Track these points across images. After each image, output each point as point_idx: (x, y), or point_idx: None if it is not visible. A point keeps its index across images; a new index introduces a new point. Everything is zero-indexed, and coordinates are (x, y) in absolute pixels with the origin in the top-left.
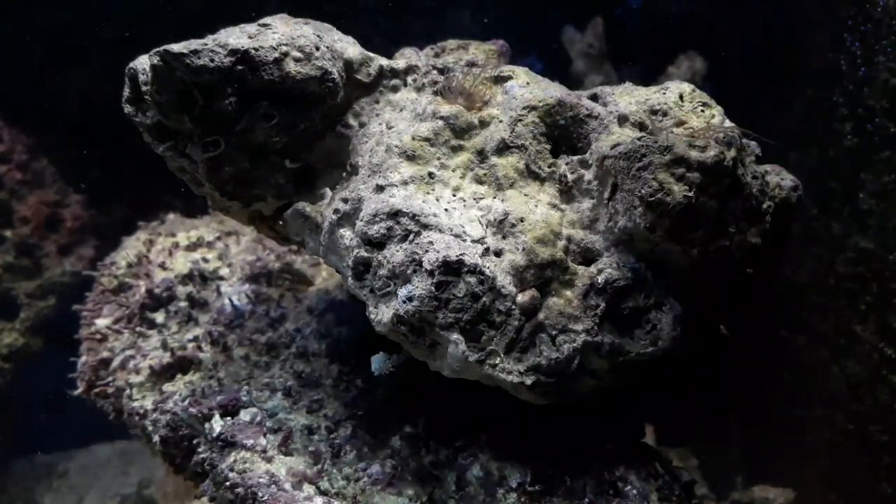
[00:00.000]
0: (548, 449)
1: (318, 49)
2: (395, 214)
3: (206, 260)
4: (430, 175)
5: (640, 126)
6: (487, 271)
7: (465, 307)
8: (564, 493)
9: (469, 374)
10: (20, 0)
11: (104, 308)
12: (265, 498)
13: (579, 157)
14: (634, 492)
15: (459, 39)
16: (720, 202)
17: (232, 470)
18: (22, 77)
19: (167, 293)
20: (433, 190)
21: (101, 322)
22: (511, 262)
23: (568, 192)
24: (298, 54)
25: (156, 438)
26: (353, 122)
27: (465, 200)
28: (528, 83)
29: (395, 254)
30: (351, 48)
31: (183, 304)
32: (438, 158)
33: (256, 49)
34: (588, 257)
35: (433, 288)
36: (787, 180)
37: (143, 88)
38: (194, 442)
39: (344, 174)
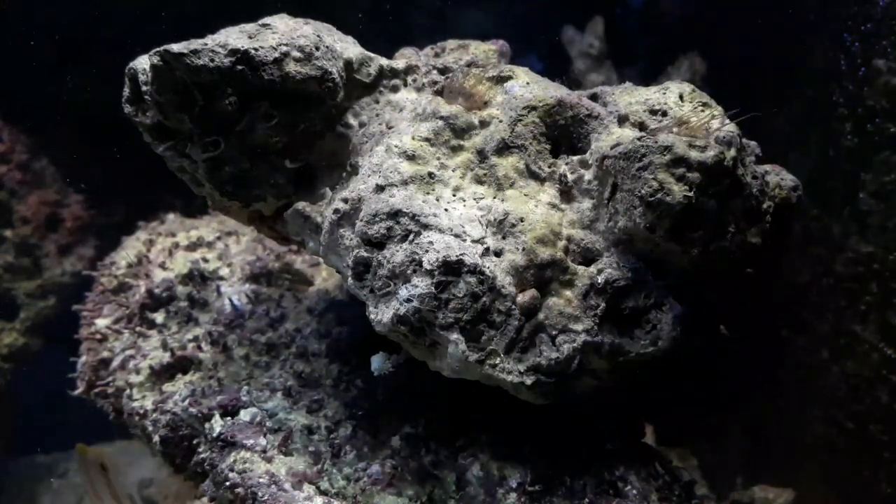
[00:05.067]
0: (548, 449)
1: (318, 49)
2: (395, 214)
3: (206, 260)
4: (430, 175)
5: (640, 126)
6: (487, 271)
7: (465, 307)
8: (564, 493)
9: (469, 374)
10: (21, 0)
11: (104, 308)
12: (265, 498)
13: (579, 157)
14: (634, 492)
15: (459, 39)
16: (720, 202)
17: (232, 470)
18: (22, 77)
19: (167, 293)
20: (433, 190)
21: (101, 322)
22: (511, 262)
23: (568, 192)
24: (298, 54)
25: (156, 438)
26: (353, 121)
27: (465, 200)
28: (528, 83)
29: (395, 254)
30: (351, 48)
31: (183, 304)
32: (438, 158)
33: (256, 49)
34: (588, 257)
35: (433, 288)
36: (787, 180)
37: (143, 88)
38: (194, 442)
39: (344, 174)
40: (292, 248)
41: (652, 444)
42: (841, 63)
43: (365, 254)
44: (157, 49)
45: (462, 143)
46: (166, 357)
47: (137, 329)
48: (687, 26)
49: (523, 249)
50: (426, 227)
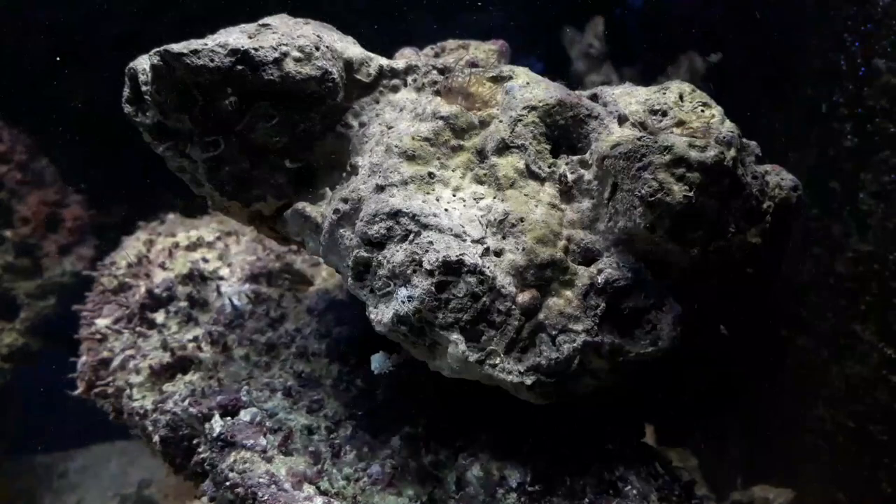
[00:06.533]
0: (548, 449)
1: (318, 49)
2: (395, 214)
3: (206, 260)
4: (430, 175)
5: (640, 126)
6: (487, 271)
7: (465, 307)
8: (564, 493)
9: (469, 374)
10: (21, 0)
11: (104, 308)
12: (265, 498)
13: (579, 157)
14: (634, 492)
15: (459, 39)
16: (720, 202)
17: (232, 470)
18: (22, 77)
19: (167, 293)
20: (433, 190)
21: (101, 322)
22: (511, 262)
23: (568, 192)
24: (298, 54)
25: (156, 438)
26: (353, 122)
27: (465, 200)
28: (528, 83)
29: (395, 254)
30: (351, 48)
31: (183, 304)
32: (438, 158)
33: (256, 49)
34: (588, 257)
35: (433, 288)
36: (787, 180)
37: (143, 88)
38: (194, 442)
39: (344, 174)
40: (292, 248)
41: (652, 444)
42: (841, 63)
43: (365, 254)
44: (157, 49)
45: (462, 143)
46: (166, 357)
47: (137, 329)
48: (687, 26)
49: (523, 249)
50: (426, 227)
